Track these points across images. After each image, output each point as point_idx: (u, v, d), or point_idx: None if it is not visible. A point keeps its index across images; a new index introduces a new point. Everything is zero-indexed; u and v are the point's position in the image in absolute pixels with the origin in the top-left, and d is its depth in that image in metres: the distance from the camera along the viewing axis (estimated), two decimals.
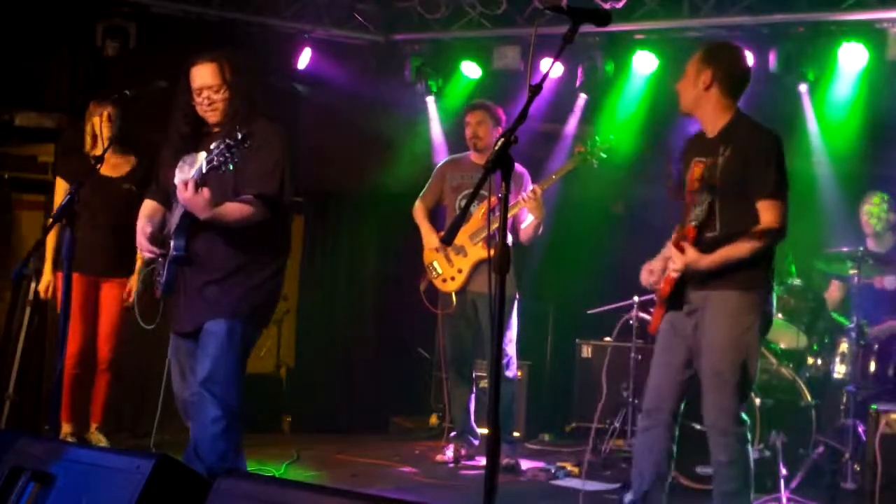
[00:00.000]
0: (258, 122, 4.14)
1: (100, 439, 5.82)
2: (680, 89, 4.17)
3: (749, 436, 4.07)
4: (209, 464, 3.96)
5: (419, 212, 6.25)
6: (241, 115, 4.14)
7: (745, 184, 3.97)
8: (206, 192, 3.91)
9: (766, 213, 3.96)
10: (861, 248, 5.79)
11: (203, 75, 4.14)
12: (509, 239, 5.93)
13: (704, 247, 4.00)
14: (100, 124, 5.62)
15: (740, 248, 3.97)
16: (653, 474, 4.16)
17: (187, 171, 4.10)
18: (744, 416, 4.07)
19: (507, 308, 5.94)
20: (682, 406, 4.17)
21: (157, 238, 4.23)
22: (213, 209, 3.95)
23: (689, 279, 4.07)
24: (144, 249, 4.20)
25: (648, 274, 4.25)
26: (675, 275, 4.06)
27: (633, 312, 6.61)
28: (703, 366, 4.06)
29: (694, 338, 4.09)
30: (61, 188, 5.73)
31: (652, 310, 4.37)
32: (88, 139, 5.70)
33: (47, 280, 5.73)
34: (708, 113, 4.11)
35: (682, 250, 4.01)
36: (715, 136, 4.09)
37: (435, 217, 6.32)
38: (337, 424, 7.40)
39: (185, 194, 3.90)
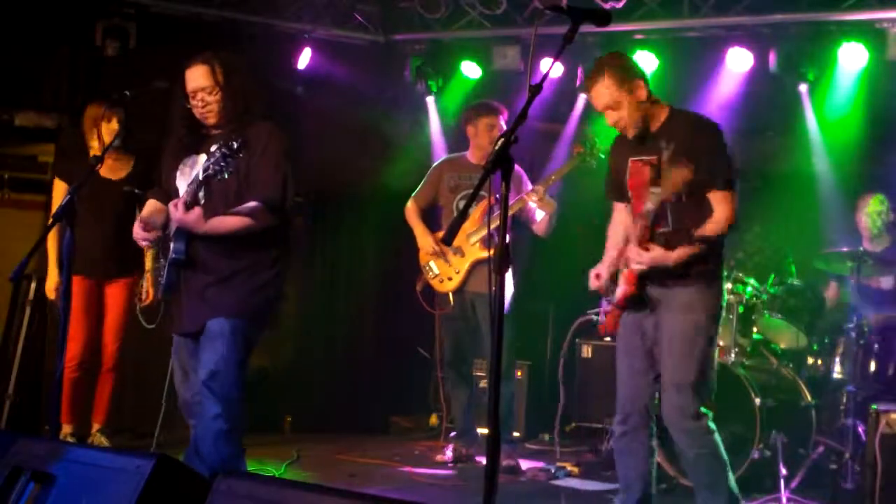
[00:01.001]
0: (257, 125, 4.15)
1: (102, 441, 5.82)
2: (624, 121, 4.13)
3: (713, 426, 4.11)
4: (210, 463, 3.96)
5: (412, 212, 6.23)
6: (237, 116, 4.14)
7: (696, 178, 4.01)
8: (196, 210, 3.97)
9: (720, 205, 4.03)
10: (861, 249, 5.79)
11: (196, 77, 4.15)
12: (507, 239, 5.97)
13: (659, 242, 4.10)
14: (105, 128, 5.61)
15: (701, 242, 4.05)
16: (640, 479, 4.21)
17: (188, 174, 4.12)
18: (703, 408, 4.10)
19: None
20: (655, 402, 4.23)
21: (160, 240, 4.25)
22: (208, 224, 4.00)
23: (648, 277, 4.14)
24: (139, 238, 4.20)
25: (595, 279, 4.30)
26: (637, 269, 4.11)
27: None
28: (664, 364, 4.13)
29: (655, 336, 4.17)
30: (60, 189, 5.72)
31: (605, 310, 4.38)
32: (95, 142, 5.68)
33: (55, 281, 5.72)
34: (652, 116, 4.16)
35: (647, 250, 4.08)
36: (653, 133, 4.13)
37: (429, 217, 6.31)
38: (337, 424, 7.40)
39: (176, 215, 3.95)
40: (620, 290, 4.17)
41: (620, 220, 4.39)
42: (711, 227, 4.03)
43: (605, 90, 4.10)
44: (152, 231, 4.20)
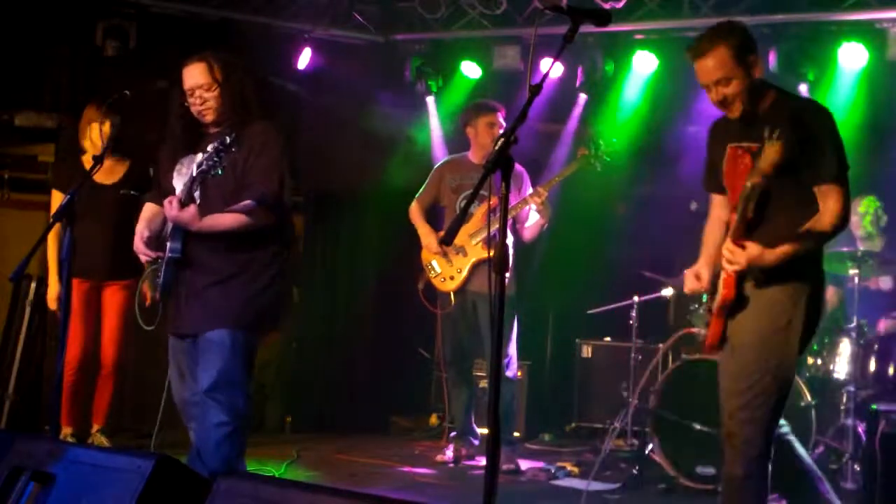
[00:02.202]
0: (255, 124, 4.14)
1: (102, 441, 5.82)
2: (731, 99, 3.68)
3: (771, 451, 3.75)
4: (212, 467, 3.94)
5: (416, 213, 6.24)
6: (235, 113, 4.14)
7: (799, 169, 3.63)
8: (191, 207, 3.96)
9: (826, 200, 3.62)
10: (861, 249, 5.78)
11: (193, 75, 4.14)
12: (509, 239, 5.98)
13: (754, 238, 3.67)
14: (96, 131, 5.60)
15: (807, 240, 3.65)
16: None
17: (185, 174, 4.12)
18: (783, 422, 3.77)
19: (507, 308, 5.93)
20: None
21: (157, 241, 4.24)
22: (202, 222, 3.99)
23: (746, 276, 3.71)
24: (141, 253, 4.20)
25: (695, 280, 3.86)
26: (732, 270, 3.64)
27: (633, 312, 6.61)
28: (730, 366, 3.74)
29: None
30: (58, 199, 5.70)
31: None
32: (88, 144, 5.68)
33: (55, 291, 5.70)
34: (760, 98, 3.74)
35: (742, 247, 3.63)
36: (759, 117, 3.71)
37: (432, 218, 6.32)
38: (337, 424, 7.40)
39: (171, 212, 3.94)
40: (719, 296, 3.71)
41: (718, 216, 3.96)
42: (814, 223, 3.62)
43: (717, 62, 3.63)
44: (152, 248, 4.19)
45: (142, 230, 4.22)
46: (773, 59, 6.64)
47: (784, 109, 3.70)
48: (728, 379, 3.74)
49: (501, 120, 6.07)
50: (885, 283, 6.19)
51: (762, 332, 3.68)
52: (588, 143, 6.11)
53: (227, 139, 3.89)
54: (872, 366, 5.80)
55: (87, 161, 5.70)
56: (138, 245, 4.18)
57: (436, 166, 6.41)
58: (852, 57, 6.55)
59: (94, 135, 5.59)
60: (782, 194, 3.66)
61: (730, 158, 3.78)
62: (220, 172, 3.92)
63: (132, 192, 5.66)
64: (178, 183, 4.18)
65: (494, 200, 3.10)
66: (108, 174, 5.73)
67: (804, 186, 3.65)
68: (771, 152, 3.50)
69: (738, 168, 3.73)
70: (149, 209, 4.35)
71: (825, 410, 5.80)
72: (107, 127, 5.55)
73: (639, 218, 7.58)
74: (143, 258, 4.24)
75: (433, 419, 7.61)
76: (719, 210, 3.96)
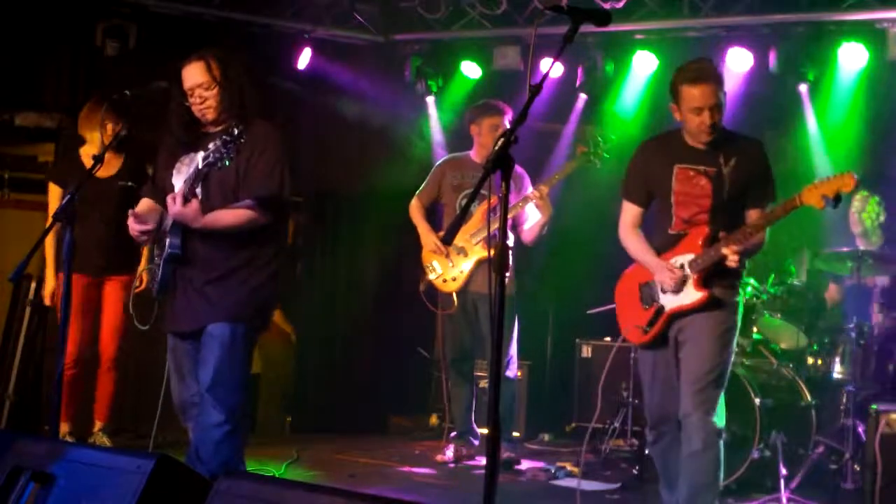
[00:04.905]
0: (254, 123, 4.14)
1: (104, 441, 5.82)
2: (715, 125, 4.16)
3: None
4: (211, 467, 3.94)
5: (416, 210, 6.23)
6: (235, 112, 4.14)
7: (745, 193, 4.21)
8: (194, 203, 3.96)
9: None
10: (861, 249, 5.79)
11: (193, 74, 4.14)
12: (510, 239, 5.98)
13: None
14: (101, 132, 5.60)
15: (752, 251, 4.27)
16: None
17: (185, 173, 4.11)
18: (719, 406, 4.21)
19: (507, 308, 5.93)
20: None
21: (155, 237, 4.23)
22: (204, 219, 3.99)
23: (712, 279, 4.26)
24: (135, 230, 4.11)
25: (673, 279, 4.26)
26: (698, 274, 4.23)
27: None
28: (692, 359, 4.19)
29: (681, 338, 4.26)
30: (55, 193, 5.70)
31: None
32: (91, 135, 5.67)
33: (52, 287, 5.71)
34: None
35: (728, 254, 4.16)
36: (709, 145, 4.19)
37: (432, 216, 6.31)
38: (337, 424, 7.40)
39: (174, 208, 3.94)
40: (697, 296, 4.18)
41: (637, 223, 4.44)
42: (756, 239, 4.20)
43: (716, 91, 4.11)
44: (147, 223, 4.16)
45: (135, 211, 4.16)
46: (773, 59, 6.64)
47: (734, 143, 4.23)
48: (691, 365, 4.17)
49: (507, 123, 6.04)
50: (881, 280, 6.19)
51: (720, 329, 4.18)
52: (587, 140, 6.11)
53: (235, 130, 3.87)
54: (872, 366, 5.80)
55: (86, 153, 5.71)
56: (132, 224, 4.12)
57: (437, 163, 6.41)
58: (852, 57, 6.55)
59: (97, 136, 5.58)
60: (724, 214, 4.20)
61: (682, 178, 4.23)
62: (227, 164, 3.90)
63: (130, 184, 5.66)
64: (178, 181, 4.17)
65: (494, 199, 3.10)
66: (105, 167, 5.72)
67: (742, 207, 4.23)
68: (729, 178, 4.16)
69: (695, 188, 4.21)
70: (144, 203, 4.35)
71: (825, 410, 5.81)
72: (108, 129, 5.55)
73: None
74: (138, 237, 4.13)
75: (433, 419, 7.61)
76: (636, 219, 4.43)
